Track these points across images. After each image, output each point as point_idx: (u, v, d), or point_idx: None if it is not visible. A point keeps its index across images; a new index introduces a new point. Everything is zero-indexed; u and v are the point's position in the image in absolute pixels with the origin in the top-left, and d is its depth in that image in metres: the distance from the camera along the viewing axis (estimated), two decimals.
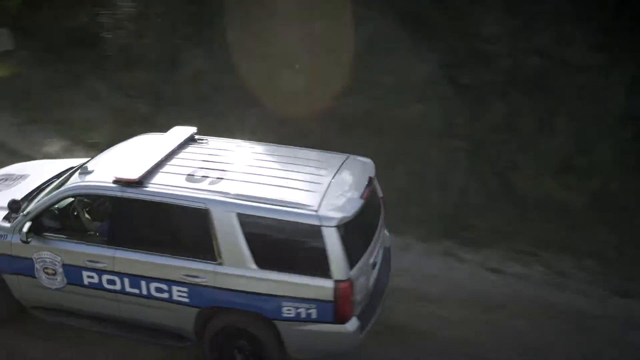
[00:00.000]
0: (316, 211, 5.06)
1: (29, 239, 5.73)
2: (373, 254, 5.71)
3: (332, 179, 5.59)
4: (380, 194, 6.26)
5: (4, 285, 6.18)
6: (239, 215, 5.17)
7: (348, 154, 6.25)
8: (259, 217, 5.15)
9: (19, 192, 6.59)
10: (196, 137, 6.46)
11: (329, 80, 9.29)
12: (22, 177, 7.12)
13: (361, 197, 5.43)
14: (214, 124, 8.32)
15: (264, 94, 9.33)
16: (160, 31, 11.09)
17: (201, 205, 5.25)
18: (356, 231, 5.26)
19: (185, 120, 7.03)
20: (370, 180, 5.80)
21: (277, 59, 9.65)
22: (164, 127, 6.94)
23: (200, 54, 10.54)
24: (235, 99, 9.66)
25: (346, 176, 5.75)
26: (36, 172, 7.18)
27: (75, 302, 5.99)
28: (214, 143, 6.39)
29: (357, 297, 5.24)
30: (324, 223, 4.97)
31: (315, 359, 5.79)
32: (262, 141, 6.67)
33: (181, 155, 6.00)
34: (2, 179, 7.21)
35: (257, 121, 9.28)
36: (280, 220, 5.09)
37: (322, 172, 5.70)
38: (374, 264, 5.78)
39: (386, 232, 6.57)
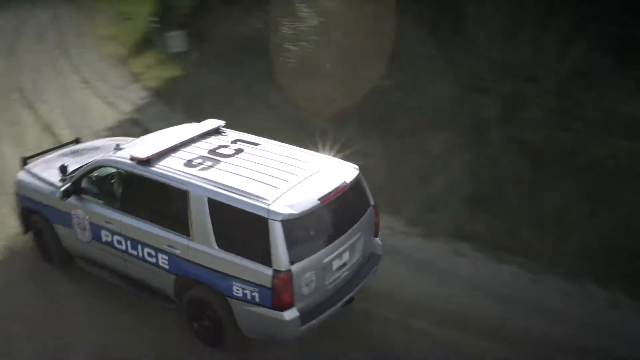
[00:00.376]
0: (268, 205, 5.54)
1: (64, 197, 7.05)
2: (336, 256, 5.99)
3: (305, 179, 6.04)
4: (371, 202, 6.60)
5: (55, 233, 7.55)
6: (209, 200, 5.85)
7: (341, 160, 6.64)
8: (223, 203, 5.76)
9: (82, 161, 7.81)
10: (221, 129, 7.25)
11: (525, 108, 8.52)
12: (92, 150, 8.48)
13: (319, 199, 5.78)
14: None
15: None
16: (339, 45, 10.87)
17: (183, 187, 6.04)
18: (309, 230, 5.83)
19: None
20: (342, 186, 6.05)
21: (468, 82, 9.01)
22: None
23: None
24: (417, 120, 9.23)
25: (321, 179, 6.11)
26: (105, 147, 8.26)
27: (98, 255, 7.13)
28: (233, 136, 7.07)
29: (303, 291, 5.68)
30: (271, 216, 5.45)
31: (266, 342, 6.23)
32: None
33: (197, 144, 6.82)
34: (77, 151, 8.63)
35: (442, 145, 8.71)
36: (239, 208, 5.66)
37: (301, 172, 6.15)
38: (341, 266, 6.11)
39: (378, 240, 6.85)
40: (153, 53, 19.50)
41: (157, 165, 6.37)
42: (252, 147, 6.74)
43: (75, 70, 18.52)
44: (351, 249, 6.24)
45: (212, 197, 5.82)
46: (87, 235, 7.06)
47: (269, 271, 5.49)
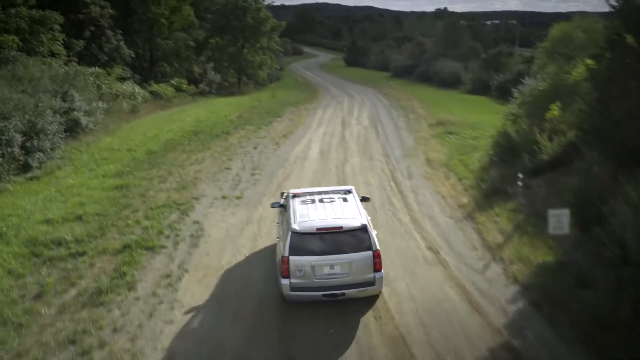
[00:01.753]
0: (293, 224, 11.17)
1: (273, 206, 14.05)
2: (325, 265, 10.86)
3: (326, 219, 11.51)
4: (374, 248, 11.02)
5: None
6: (280, 211, 13.95)
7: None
8: (284, 214, 12.68)
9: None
10: (348, 191, 13.10)
11: None
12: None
13: (317, 229, 11.08)
14: None
15: None
16: None
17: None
18: (306, 243, 10.92)
19: None
20: (336, 227, 11.09)
21: None
22: None
23: None
24: None
25: (336, 221, 11.34)
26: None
27: None
28: (344, 195, 12.83)
29: (297, 273, 10.78)
30: (290, 229, 11.06)
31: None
32: None
33: (323, 195, 12.78)
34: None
35: None
36: (288, 224, 11.49)
37: (332, 216, 11.66)
38: (331, 273, 10.89)
39: (379, 274, 11.05)
40: (504, 206, 16.50)
41: (294, 199, 12.53)
42: (338, 201, 12.31)
43: (413, 221, 16.38)
44: (343, 267, 10.91)
45: (284, 210, 12.93)
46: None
47: (281, 255, 11.10)
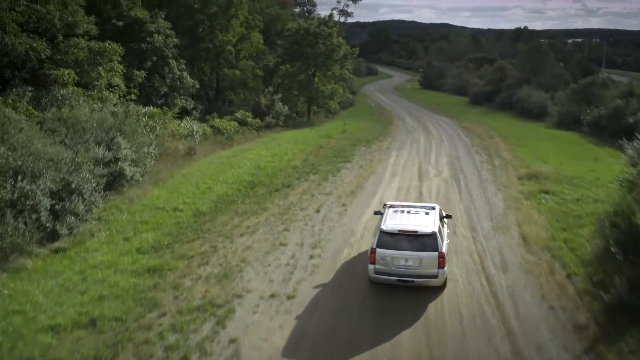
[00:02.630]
0: (384, 224, 14.81)
1: (376, 214, 18.06)
2: (400, 257, 14.30)
3: (409, 225, 14.82)
4: (440, 250, 14.33)
5: None
6: (375, 213, 18.35)
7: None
8: (379, 220, 16.00)
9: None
10: (432, 207, 16.39)
11: None
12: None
13: (398, 230, 14.53)
14: None
15: None
16: None
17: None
18: (391, 239, 14.37)
19: None
20: (412, 231, 14.48)
21: None
22: None
23: None
24: None
25: (415, 226, 14.79)
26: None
27: None
28: (429, 209, 16.20)
29: (379, 261, 14.30)
30: (381, 229, 14.60)
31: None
32: None
33: (415, 208, 16.29)
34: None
35: None
36: (379, 225, 15.10)
37: (414, 222, 15.14)
38: (406, 265, 14.30)
39: (443, 270, 14.34)
40: None
41: (388, 208, 16.28)
42: (421, 214, 15.71)
43: (515, 354, 12.17)
44: (415, 261, 14.25)
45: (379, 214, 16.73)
46: None
47: (372, 245, 14.54)
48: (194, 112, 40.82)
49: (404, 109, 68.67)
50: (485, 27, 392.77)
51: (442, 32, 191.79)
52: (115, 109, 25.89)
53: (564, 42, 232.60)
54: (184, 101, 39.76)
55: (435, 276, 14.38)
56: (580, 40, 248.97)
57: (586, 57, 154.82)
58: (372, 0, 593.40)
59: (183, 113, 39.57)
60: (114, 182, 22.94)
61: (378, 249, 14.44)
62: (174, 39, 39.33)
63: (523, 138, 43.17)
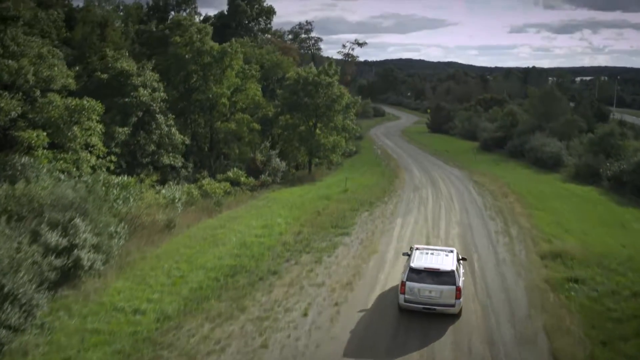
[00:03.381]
0: (412, 263, 18.22)
1: (404, 255, 21.33)
2: (425, 289, 17.54)
3: (432, 264, 18.18)
4: (457, 285, 17.54)
5: None
6: (403, 254, 21.38)
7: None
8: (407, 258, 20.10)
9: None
10: (451, 251, 19.79)
11: None
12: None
13: (424, 267, 17.93)
14: None
15: None
16: None
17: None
18: (417, 275, 17.75)
19: None
20: (435, 269, 17.87)
21: None
22: None
23: None
24: None
25: (438, 265, 18.13)
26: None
27: None
28: (448, 251, 19.74)
29: (408, 292, 17.62)
30: (410, 265, 18.14)
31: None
32: None
33: (436, 250, 19.85)
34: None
35: None
36: (408, 262, 18.75)
37: (436, 262, 18.37)
38: (430, 295, 17.54)
39: (459, 301, 17.50)
40: None
41: (415, 250, 19.44)
42: (442, 255, 18.95)
43: None
44: (437, 293, 17.36)
45: (408, 256, 19.82)
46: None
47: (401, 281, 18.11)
48: (184, 170, 37.49)
49: (411, 156, 65.29)
50: (492, 65, 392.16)
51: (449, 72, 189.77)
52: (79, 184, 22.41)
53: (572, 81, 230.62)
54: (172, 159, 36.50)
55: (453, 305, 17.63)
56: (588, 78, 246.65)
57: (597, 98, 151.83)
58: (380, 40, 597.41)
59: (170, 172, 36.29)
60: (68, 273, 19.39)
61: (407, 282, 17.81)
62: (161, 93, 36.28)
63: (540, 197, 39.46)
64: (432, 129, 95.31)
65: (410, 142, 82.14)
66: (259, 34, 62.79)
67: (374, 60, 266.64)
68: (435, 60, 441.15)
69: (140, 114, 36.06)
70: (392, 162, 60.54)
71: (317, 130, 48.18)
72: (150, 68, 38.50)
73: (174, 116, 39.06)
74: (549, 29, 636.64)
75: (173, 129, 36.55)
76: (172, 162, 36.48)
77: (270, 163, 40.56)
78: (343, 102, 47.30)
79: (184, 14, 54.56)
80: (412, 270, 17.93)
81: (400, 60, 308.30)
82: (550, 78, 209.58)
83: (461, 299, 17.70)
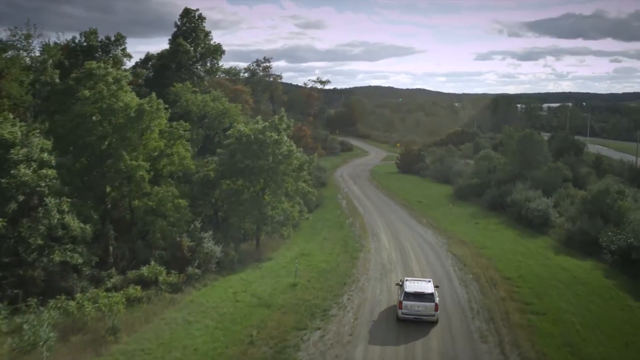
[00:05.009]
0: (406, 289, 26.51)
1: (397, 284, 30.13)
2: (416, 305, 25.77)
3: (419, 290, 26.37)
4: (435, 301, 25.99)
5: None
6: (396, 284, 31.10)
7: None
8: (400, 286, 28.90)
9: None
10: (429, 280, 28.80)
11: None
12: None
13: (414, 292, 26.23)
14: None
15: None
16: None
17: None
18: (410, 296, 26.01)
19: None
20: (422, 292, 26.27)
21: None
22: None
23: None
24: None
25: (422, 290, 26.46)
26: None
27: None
28: (424, 281, 28.35)
29: (406, 306, 25.87)
30: (404, 290, 26.52)
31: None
32: None
33: (413, 282, 27.78)
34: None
35: None
36: (402, 287, 27.44)
37: (422, 288, 26.69)
38: (419, 309, 25.81)
39: (437, 313, 25.90)
40: None
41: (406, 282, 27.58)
42: (424, 283, 27.58)
43: None
44: (422, 307, 25.72)
45: (401, 285, 28.33)
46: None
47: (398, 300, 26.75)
48: (84, 269, 28.30)
49: (380, 211, 56.86)
50: (460, 91, 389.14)
51: (419, 102, 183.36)
52: None
53: (539, 107, 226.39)
54: (68, 255, 27.38)
55: (433, 315, 25.81)
56: (555, 105, 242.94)
57: (568, 128, 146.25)
58: (349, 67, 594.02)
59: (61, 274, 27.15)
60: None
61: (404, 301, 25.89)
62: (50, 171, 27.22)
63: (536, 286, 31.28)
64: (402, 170, 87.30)
65: (378, 187, 73.77)
66: (205, 76, 53.94)
67: (344, 87, 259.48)
68: (403, 87, 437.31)
69: (21, 198, 26.89)
70: (358, 219, 52.00)
71: (266, 197, 39.34)
72: (45, 132, 29.45)
73: (75, 195, 29.97)
74: (514, 56, 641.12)
75: (68, 216, 27.39)
76: (69, 259, 27.31)
77: (202, 248, 31.56)
78: (294, 161, 38.56)
79: (114, 54, 45.57)
80: (407, 294, 26.02)
81: (369, 87, 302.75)
82: (518, 105, 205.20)
83: (438, 311, 25.88)
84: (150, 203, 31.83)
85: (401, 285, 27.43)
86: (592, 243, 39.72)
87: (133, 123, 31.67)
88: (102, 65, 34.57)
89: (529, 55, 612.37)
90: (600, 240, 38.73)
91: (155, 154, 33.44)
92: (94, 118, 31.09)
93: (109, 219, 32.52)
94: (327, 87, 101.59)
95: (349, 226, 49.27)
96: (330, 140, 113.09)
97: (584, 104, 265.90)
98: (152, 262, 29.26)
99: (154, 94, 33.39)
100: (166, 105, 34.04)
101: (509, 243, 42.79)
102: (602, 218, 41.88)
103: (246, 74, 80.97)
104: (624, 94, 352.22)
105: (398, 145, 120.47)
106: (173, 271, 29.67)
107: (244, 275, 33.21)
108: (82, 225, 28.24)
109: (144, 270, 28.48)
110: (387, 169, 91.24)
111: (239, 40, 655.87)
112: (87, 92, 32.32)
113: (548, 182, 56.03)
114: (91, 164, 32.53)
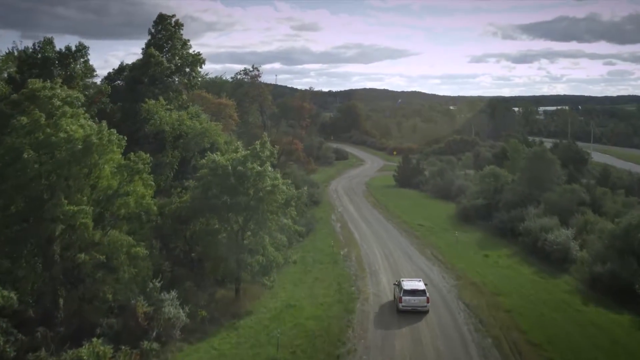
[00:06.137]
0: (404, 286, 32.17)
1: (394, 285, 35.13)
2: (412, 299, 31.61)
3: (414, 287, 32.22)
4: (427, 295, 31.94)
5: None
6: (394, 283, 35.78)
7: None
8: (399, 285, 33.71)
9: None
10: (420, 279, 34.51)
11: None
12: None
13: (410, 289, 31.89)
14: None
15: None
16: None
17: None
18: (408, 292, 31.80)
19: None
20: (417, 288, 32.15)
21: None
22: None
23: None
24: None
25: (416, 287, 32.27)
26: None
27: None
28: (416, 280, 34.25)
29: (404, 300, 31.68)
30: (402, 287, 32.24)
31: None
32: None
33: (409, 281, 33.25)
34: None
35: None
36: (399, 284, 33.28)
37: (415, 286, 32.50)
38: (415, 302, 31.67)
39: (428, 304, 31.80)
40: None
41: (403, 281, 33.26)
42: (416, 282, 33.28)
43: None
44: (417, 300, 31.58)
45: (397, 285, 33.67)
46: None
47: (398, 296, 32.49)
48: (8, 349, 21.92)
49: (378, 237, 50.64)
50: (455, 94, 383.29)
51: (415, 107, 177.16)
52: None
53: (536, 111, 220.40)
54: None
55: (425, 306, 31.52)
56: (552, 108, 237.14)
57: (570, 134, 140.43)
58: (344, 69, 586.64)
59: None
60: None
61: (403, 297, 31.39)
62: None
63: (571, 357, 25.11)
64: (400, 183, 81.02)
65: (375, 205, 67.40)
66: (183, 89, 47.40)
67: (339, 90, 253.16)
68: (398, 89, 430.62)
69: None
70: (354, 250, 45.78)
71: (247, 238, 32.93)
72: None
73: (5, 249, 23.57)
74: (508, 59, 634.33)
75: None
76: None
77: (162, 313, 25.23)
78: (278, 197, 32.17)
79: (73, 67, 39.12)
80: (405, 291, 31.66)
81: (364, 89, 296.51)
82: (515, 109, 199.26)
83: (429, 303, 31.66)
84: (99, 256, 25.35)
85: (398, 285, 32.87)
86: (626, 289, 33.62)
87: (78, 159, 25.22)
88: (47, 84, 28.13)
89: (523, 58, 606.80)
90: (637, 287, 32.62)
91: (109, 192, 26.98)
92: (25, 155, 24.62)
93: (57, 275, 26.06)
94: (323, 89, 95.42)
95: (343, 260, 43.04)
96: (325, 148, 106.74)
97: (579, 107, 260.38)
98: (95, 339, 22.81)
99: (104, 123, 26.96)
100: (122, 136, 27.56)
101: (528, 286, 36.60)
102: (634, 256, 35.77)
103: (233, 81, 74.41)
104: (618, 96, 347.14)
105: (395, 153, 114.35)
106: (124, 347, 23.26)
107: (215, 342, 26.88)
108: (4, 292, 21.79)
109: (83, 351, 22.06)
110: (385, 182, 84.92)
111: (233, 42, 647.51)
112: (25, 119, 25.92)
113: (563, 206, 49.92)
114: (29, 208, 26.07)
